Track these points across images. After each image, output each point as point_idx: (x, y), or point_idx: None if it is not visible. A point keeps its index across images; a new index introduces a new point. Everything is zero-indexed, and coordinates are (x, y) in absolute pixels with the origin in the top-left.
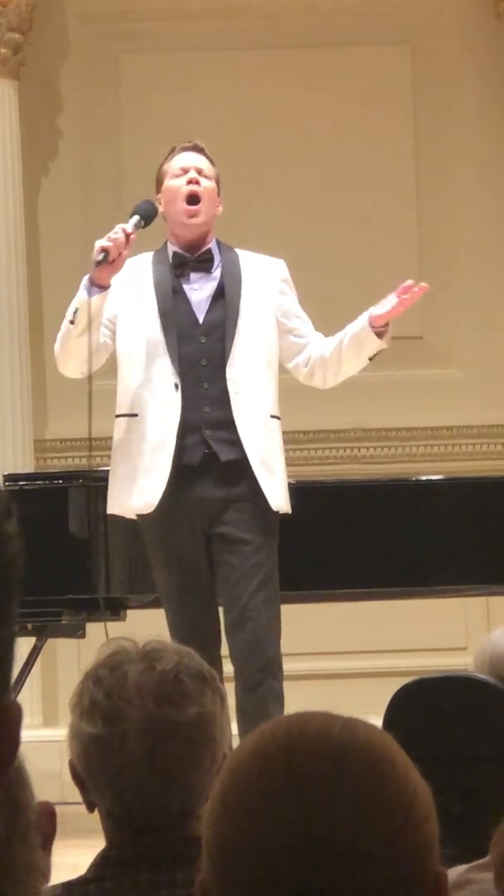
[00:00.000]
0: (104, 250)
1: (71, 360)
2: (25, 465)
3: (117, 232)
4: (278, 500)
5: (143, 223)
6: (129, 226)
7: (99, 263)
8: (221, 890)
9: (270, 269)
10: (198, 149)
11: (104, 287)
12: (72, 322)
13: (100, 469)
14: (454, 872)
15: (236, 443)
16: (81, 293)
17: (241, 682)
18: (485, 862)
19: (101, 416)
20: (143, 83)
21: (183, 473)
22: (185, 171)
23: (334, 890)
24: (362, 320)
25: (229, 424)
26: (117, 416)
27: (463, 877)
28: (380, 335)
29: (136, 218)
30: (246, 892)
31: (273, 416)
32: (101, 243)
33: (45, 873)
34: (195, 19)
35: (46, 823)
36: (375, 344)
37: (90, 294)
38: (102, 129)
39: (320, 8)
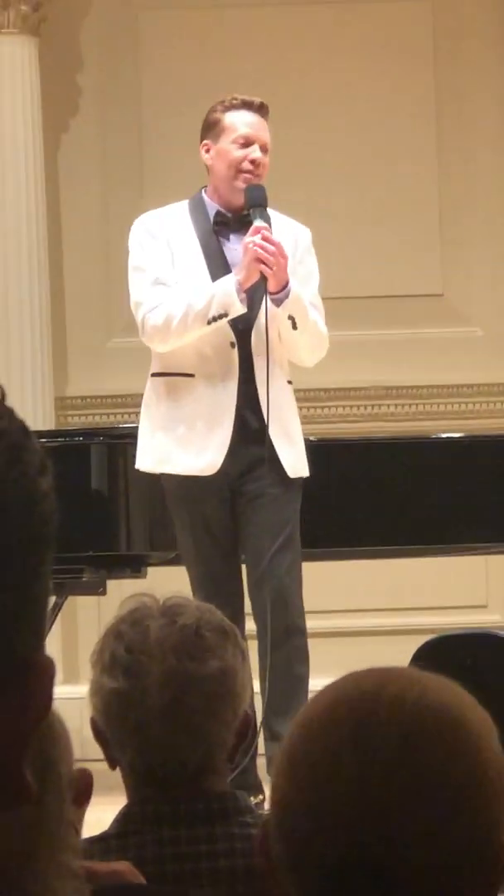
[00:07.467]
0: (265, 262)
1: (180, 342)
2: (46, 422)
3: (267, 237)
4: (295, 465)
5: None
6: (263, 221)
7: (265, 278)
8: (280, 840)
9: (297, 236)
10: (263, 111)
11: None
12: (209, 322)
13: (121, 426)
14: None
15: (258, 409)
16: (234, 302)
17: (264, 640)
18: None
19: (120, 374)
20: (162, 40)
21: None
22: (248, 143)
23: (386, 864)
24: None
25: (254, 390)
26: (166, 374)
27: None
28: (277, 302)
29: (260, 211)
30: (300, 849)
31: (288, 381)
32: (259, 253)
33: (77, 828)
34: None
35: (82, 788)
36: (276, 306)
37: (242, 302)
38: (122, 85)
39: None
